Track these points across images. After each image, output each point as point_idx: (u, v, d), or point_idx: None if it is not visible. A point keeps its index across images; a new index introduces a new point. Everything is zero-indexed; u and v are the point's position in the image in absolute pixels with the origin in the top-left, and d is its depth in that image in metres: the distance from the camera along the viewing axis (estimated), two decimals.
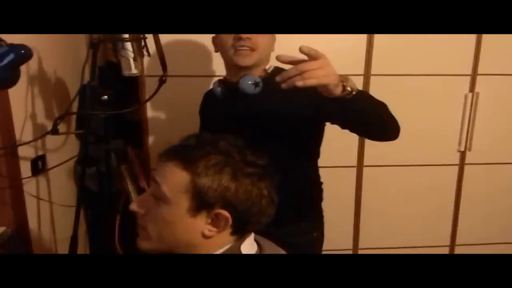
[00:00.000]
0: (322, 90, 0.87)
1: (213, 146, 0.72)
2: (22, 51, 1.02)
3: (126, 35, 1.11)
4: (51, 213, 1.62)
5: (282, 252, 0.82)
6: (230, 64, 1.24)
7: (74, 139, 1.84)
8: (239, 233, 0.74)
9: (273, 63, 1.21)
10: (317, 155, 1.31)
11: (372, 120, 0.99)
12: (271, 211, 0.75)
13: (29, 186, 1.44)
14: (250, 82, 1.16)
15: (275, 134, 1.17)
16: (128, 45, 1.12)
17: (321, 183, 1.35)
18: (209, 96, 1.40)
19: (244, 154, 0.72)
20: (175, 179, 0.70)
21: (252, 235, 0.79)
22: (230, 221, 0.70)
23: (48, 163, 1.56)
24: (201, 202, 0.69)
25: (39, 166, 1.49)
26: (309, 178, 1.31)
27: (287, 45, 1.21)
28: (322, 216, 1.35)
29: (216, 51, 1.27)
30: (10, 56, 1.02)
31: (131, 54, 1.13)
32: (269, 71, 1.23)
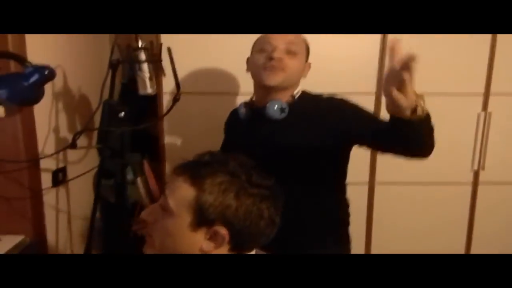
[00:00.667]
0: (395, 107, 0.84)
1: (222, 165, 0.75)
2: (46, 72, 1.10)
3: (143, 57, 1.18)
4: (69, 223, 1.69)
5: None
6: (258, 85, 1.24)
7: (95, 152, 1.93)
8: (237, 251, 0.77)
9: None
10: (343, 177, 1.30)
11: (423, 140, 0.99)
12: (270, 232, 0.77)
13: (49, 196, 1.51)
14: (276, 107, 1.17)
15: (299, 159, 1.17)
16: (145, 66, 1.19)
17: (348, 206, 1.32)
18: (233, 115, 1.40)
19: (250, 175, 0.75)
20: (181, 194, 0.74)
21: (254, 251, 0.82)
22: (227, 239, 0.73)
23: (69, 175, 1.64)
24: (202, 218, 0.73)
25: (59, 177, 1.57)
26: (333, 201, 1.28)
27: None
28: (349, 242, 1.32)
29: (248, 70, 1.28)
30: (35, 77, 1.10)
31: (147, 75, 1.20)
32: (296, 96, 1.23)
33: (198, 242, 0.74)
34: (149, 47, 1.23)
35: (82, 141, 1.72)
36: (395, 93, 0.80)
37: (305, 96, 1.24)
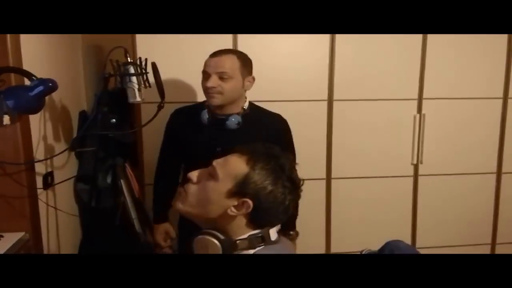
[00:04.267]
0: None
1: (275, 157, 0.91)
2: (50, 84, 1.27)
3: (132, 71, 1.38)
4: (56, 221, 1.83)
5: (292, 246, 1.04)
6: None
7: (73, 159, 2.08)
8: (253, 224, 0.91)
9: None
10: None
11: None
12: (283, 218, 0.94)
13: (40, 197, 1.65)
14: (233, 121, 1.52)
15: None
16: (134, 79, 1.39)
17: None
18: (179, 117, 1.67)
19: (292, 171, 0.91)
20: (234, 166, 0.89)
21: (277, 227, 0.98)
22: (250, 210, 0.88)
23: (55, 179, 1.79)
24: (240, 189, 0.87)
25: (48, 181, 1.72)
26: None
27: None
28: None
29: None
30: (40, 88, 1.27)
31: (136, 86, 1.40)
32: (246, 108, 1.57)
33: (227, 206, 0.88)
34: (137, 62, 1.43)
35: (64, 146, 1.88)
36: None
37: (253, 107, 1.60)
